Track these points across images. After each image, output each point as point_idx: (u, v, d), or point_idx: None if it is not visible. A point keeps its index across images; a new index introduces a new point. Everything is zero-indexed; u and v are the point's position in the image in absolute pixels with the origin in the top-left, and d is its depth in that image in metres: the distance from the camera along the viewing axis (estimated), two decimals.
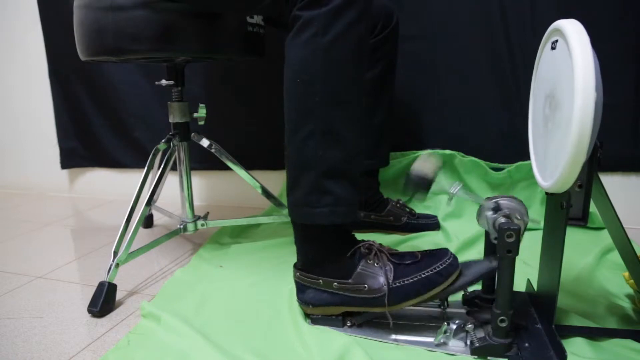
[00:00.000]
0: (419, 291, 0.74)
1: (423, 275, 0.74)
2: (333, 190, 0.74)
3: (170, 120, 1.14)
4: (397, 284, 0.74)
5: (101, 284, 0.92)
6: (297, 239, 0.82)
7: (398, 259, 0.77)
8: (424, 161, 0.73)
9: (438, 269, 0.74)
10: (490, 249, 0.76)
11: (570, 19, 0.59)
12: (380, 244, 0.80)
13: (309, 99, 0.72)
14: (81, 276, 1.09)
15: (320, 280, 0.78)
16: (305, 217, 0.76)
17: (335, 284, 0.77)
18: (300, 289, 0.82)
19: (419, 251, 0.78)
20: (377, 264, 0.76)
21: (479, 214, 0.75)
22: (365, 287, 0.75)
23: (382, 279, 0.75)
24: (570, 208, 0.67)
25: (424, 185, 0.73)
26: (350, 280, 0.77)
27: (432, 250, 0.79)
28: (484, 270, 0.73)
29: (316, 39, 0.70)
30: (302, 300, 0.81)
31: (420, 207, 1.37)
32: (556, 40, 0.63)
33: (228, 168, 1.18)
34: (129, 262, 0.99)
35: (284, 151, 0.78)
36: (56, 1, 1.66)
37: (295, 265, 0.83)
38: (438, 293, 0.74)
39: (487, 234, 0.76)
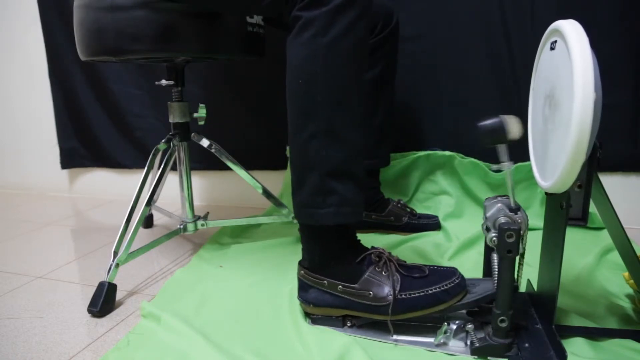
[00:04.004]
0: (424, 306, 0.74)
1: (430, 292, 0.74)
2: (338, 190, 0.74)
3: (170, 120, 1.14)
4: (403, 296, 0.74)
5: (101, 284, 0.92)
6: (303, 239, 0.82)
7: (406, 270, 0.77)
8: (516, 121, 0.68)
9: (445, 288, 0.74)
10: (491, 249, 0.77)
11: (569, 20, 0.59)
12: (389, 253, 0.80)
13: (311, 99, 0.72)
14: (81, 276, 1.09)
15: (325, 282, 0.78)
16: (311, 218, 0.76)
17: (340, 287, 0.77)
18: (303, 287, 0.82)
19: (426, 265, 0.78)
20: (385, 272, 0.77)
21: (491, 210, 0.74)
22: (370, 293, 0.76)
23: (388, 288, 0.75)
24: (570, 208, 0.67)
25: (499, 132, 0.67)
26: (356, 285, 0.77)
27: (440, 267, 0.79)
28: (489, 290, 0.74)
29: (317, 39, 0.70)
30: (304, 299, 0.81)
31: (420, 207, 1.37)
32: (555, 41, 0.63)
33: (228, 168, 1.18)
34: (129, 262, 0.99)
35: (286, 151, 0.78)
36: (56, 1, 1.66)
37: (300, 263, 0.83)
38: (442, 310, 0.74)
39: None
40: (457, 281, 0.74)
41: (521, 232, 0.67)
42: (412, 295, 0.74)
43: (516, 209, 0.71)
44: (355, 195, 0.76)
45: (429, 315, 0.75)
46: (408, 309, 0.74)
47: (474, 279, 0.79)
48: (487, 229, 0.72)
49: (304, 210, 0.77)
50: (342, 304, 0.78)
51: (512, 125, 0.67)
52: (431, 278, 0.76)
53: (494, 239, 0.69)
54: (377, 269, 0.77)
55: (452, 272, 0.76)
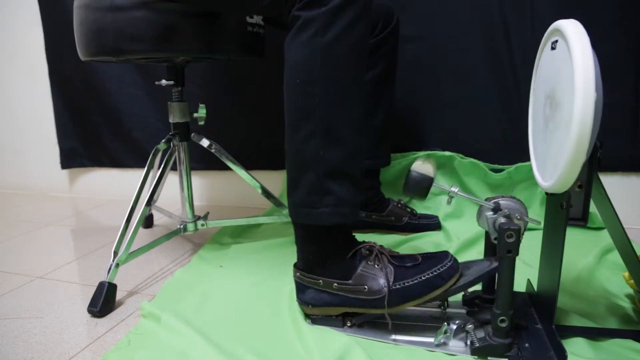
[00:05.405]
0: (419, 293, 0.74)
1: (423, 278, 0.73)
2: (334, 190, 0.74)
3: (170, 120, 1.14)
4: (398, 286, 0.74)
5: (101, 284, 0.92)
6: (297, 239, 0.82)
7: (398, 261, 0.77)
8: (423, 162, 0.73)
9: (438, 272, 0.73)
10: (491, 250, 0.76)
11: (570, 19, 0.59)
12: (381, 246, 0.80)
13: (309, 99, 0.72)
14: (81, 276, 1.09)
15: (321, 281, 0.78)
16: (307, 218, 0.76)
17: (335, 284, 0.77)
18: (300, 289, 0.82)
19: (419, 254, 0.78)
20: (377, 265, 0.76)
21: (479, 215, 0.75)
22: (365, 288, 0.75)
23: (382, 281, 0.75)
24: (570, 208, 0.67)
25: (424, 185, 0.73)
26: (350, 281, 0.76)
27: (433, 252, 0.78)
28: (484, 270, 0.73)
29: (316, 39, 0.70)
30: (302, 301, 0.81)
31: (421, 208, 1.37)
32: (556, 41, 0.63)
33: (228, 168, 1.18)
34: (129, 262, 0.99)
35: (285, 152, 0.78)
36: (56, 1, 1.66)
37: (295, 265, 0.83)
38: (438, 295, 0.73)
39: (487, 234, 0.76)
40: (449, 264, 0.74)
41: (518, 216, 0.69)
42: (407, 284, 0.74)
43: (496, 207, 0.71)
44: (352, 195, 0.75)
45: (428, 308, 0.74)
46: (404, 299, 0.74)
47: (467, 262, 0.78)
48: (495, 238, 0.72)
49: (300, 210, 0.77)
50: (339, 301, 0.78)
51: (426, 169, 0.71)
52: (424, 264, 0.75)
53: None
54: (369, 262, 0.77)
55: (445, 255, 0.76)
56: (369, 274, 0.76)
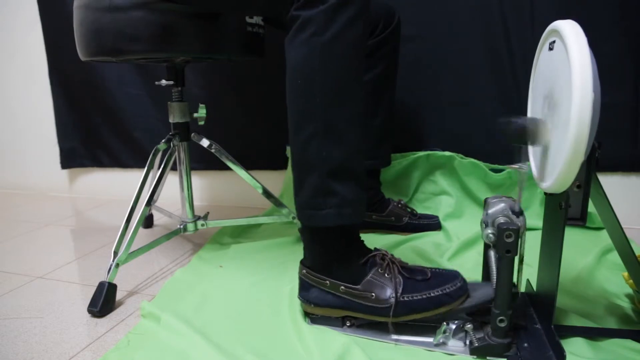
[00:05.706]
0: (425, 308, 0.74)
1: (432, 295, 0.74)
2: (338, 191, 0.74)
3: (170, 120, 1.14)
4: (405, 298, 0.74)
5: (101, 284, 0.92)
6: (305, 240, 0.82)
7: (408, 273, 0.77)
8: (542, 124, 0.68)
9: (447, 291, 0.74)
10: (487, 247, 0.77)
11: (567, 20, 0.59)
12: (392, 255, 0.80)
13: (310, 98, 0.72)
14: (81, 276, 1.09)
15: (328, 282, 0.78)
16: (312, 220, 0.76)
17: (342, 287, 0.77)
18: (305, 287, 0.81)
19: (428, 268, 0.78)
20: (387, 274, 0.77)
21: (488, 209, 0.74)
22: (372, 295, 0.76)
23: (390, 291, 0.75)
24: (569, 208, 0.67)
25: (523, 135, 0.68)
26: (358, 287, 0.77)
27: (442, 269, 0.79)
28: (491, 294, 0.73)
29: (315, 38, 0.70)
30: (305, 299, 0.81)
31: (421, 208, 1.37)
32: (554, 41, 0.63)
33: (228, 168, 1.18)
34: (129, 262, 0.99)
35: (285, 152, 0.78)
36: (56, 1, 1.66)
37: (302, 262, 0.83)
38: (443, 312, 0.74)
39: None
40: (459, 284, 0.74)
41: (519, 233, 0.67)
42: (415, 298, 0.74)
43: (519, 212, 0.71)
44: (357, 195, 0.75)
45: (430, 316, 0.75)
46: (410, 311, 0.74)
47: (474, 283, 0.79)
48: (485, 225, 0.72)
49: (305, 212, 0.77)
50: (343, 304, 0.78)
51: (544, 131, 0.67)
52: (433, 281, 0.75)
53: (490, 235, 0.69)
54: (380, 270, 0.77)
55: (454, 275, 0.76)
56: (378, 281, 0.76)
